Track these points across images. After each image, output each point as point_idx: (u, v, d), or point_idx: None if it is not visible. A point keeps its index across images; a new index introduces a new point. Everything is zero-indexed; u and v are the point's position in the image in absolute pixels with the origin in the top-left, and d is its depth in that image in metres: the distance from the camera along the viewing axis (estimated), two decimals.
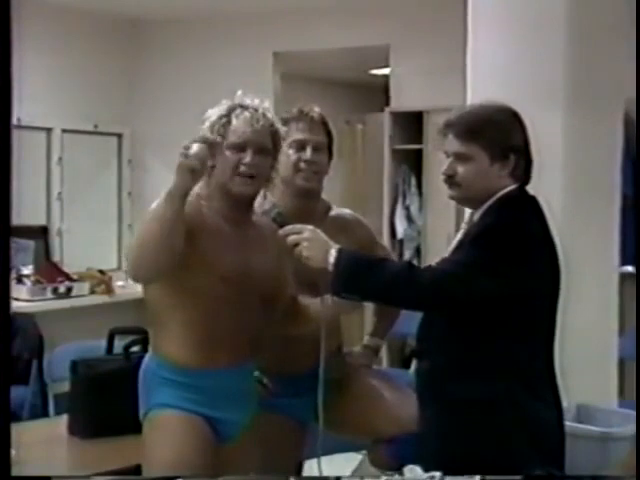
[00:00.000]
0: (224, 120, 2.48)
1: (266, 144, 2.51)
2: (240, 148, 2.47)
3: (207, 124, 2.50)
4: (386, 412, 2.90)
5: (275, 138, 2.54)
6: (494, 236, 2.37)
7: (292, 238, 2.44)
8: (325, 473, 2.58)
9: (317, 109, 2.93)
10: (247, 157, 2.47)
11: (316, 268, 2.40)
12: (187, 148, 2.25)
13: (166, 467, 2.40)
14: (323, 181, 2.95)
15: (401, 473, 2.96)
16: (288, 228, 2.47)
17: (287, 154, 2.85)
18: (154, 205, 2.29)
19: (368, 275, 2.35)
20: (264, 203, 2.75)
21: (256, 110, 2.50)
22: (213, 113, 2.51)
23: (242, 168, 2.47)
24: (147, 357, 2.58)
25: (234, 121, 2.48)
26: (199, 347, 2.46)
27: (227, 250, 2.46)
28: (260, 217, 2.62)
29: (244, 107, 2.50)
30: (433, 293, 2.35)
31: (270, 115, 2.53)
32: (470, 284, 2.32)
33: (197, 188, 2.48)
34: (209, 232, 2.44)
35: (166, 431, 2.46)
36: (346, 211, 3.04)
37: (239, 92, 2.54)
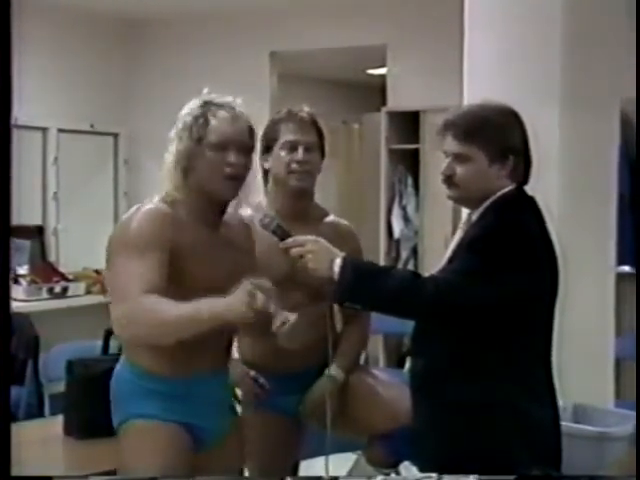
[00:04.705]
0: (201, 120, 2.39)
1: (247, 143, 2.44)
2: (222, 147, 2.39)
3: (180, 125, 2.42)
4: (382, 407, 2.89)
5: (252, 136, 2.47)
6: (493, 241, 2.36)
7: (295, 251, 2.40)
8: (320, 473, 2.58)
9: (307, 109, 2.91)
10: (231, 157, 2.38)
11: (322, 278, 2.36)
12: (252, 295, 2.14)
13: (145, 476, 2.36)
14: (315, 181, 2.94)
15: (397, 470, 2.97)
16: (290, 241, 2.42)
17: (279, 155, 2.85)
18: (189, 309, 2.18)
19: (372, 285, 2.32)
20: (257, 211, 2.70)
21: (233, 108, 2.42)
22: (186, 114, 2.43)
23: (227, 169, 2.38)
24: (119, 365, 2.51)
25: (212, 121, 2.39)
26: (172, 355, 2.37)
27: (211, 262, 2.37)
28: (227, 215, 2.51)
29: (218, 105, 2.42)
30: (437, 304, 2.33)
31: (246, 113, 2.45)
32: (473, 294, 2.31)
33: (173, 190, 2.40)
34: (192, 246, 2.34)
35: (144, 441, 2.41)
36: (342, 221, 3.03)
37: (205, 90, 2.45)
